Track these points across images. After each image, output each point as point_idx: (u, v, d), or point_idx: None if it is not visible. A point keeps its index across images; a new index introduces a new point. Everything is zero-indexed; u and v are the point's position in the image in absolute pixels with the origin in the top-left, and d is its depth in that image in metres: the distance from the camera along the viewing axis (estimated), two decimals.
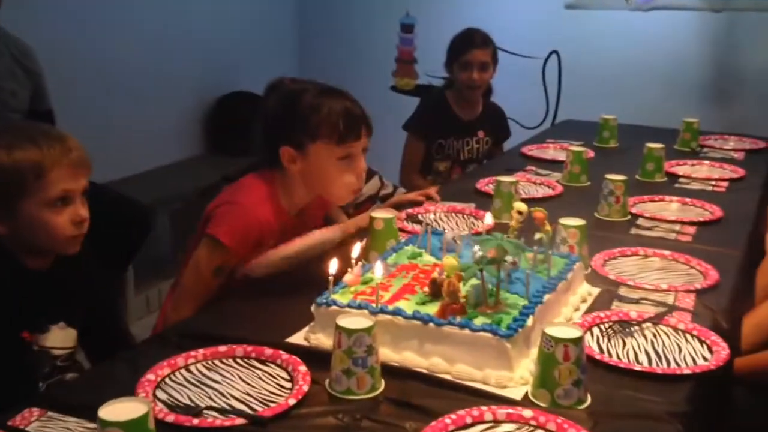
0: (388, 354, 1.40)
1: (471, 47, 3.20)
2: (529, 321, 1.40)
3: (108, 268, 2.91)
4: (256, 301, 1.69)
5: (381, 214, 1.88)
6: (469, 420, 1.23)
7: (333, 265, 1.49)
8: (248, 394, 1.31)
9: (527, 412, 1.24)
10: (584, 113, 3.72)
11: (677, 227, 2.19)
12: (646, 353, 1.47)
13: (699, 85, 4.38)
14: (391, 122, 3.46)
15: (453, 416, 1.22)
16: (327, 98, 1.82)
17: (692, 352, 1.48)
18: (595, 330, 1.55)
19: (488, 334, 1.34)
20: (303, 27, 5.25)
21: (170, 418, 1.22)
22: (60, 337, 1.60)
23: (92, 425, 1.06)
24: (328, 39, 5.14)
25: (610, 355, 1.45)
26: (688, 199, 2.44)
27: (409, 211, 2.29)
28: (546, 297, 1.49)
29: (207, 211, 1.84)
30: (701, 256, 1.93)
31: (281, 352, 1.42)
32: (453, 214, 2.31)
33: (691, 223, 2.21)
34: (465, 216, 2.30)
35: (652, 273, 1.86)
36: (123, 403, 1.07)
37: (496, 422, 1.23)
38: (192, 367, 1.40)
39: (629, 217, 2.27)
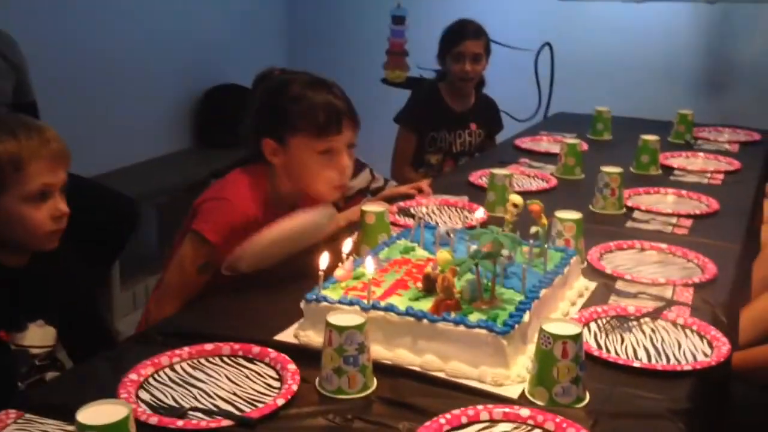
0: (380, 351, 1.36)
1: (464, 38, 3.16)
2: (526, 317, 1.36)
3: (94, 263, 2.88)
4: (244, 297, 1.64)
5: (372, 207, 1.84)
6: (464, 420, 1.19)
7: (324, 260, 1.44)
8: (235, 394, 1.27)
9: (524, 411, 1.20)
10: (577, 106, 3.69)
11: (674, 220, 2.15)
12: (645, 349, 1.43)
13: (692, 76, 4.35)
14: (382, 115, 3.43)
15: (448, 416, 1.18)
16: (311, 90, 1.77)
17: (692, 347, 1.44)
18: (593, 325, 1.51)
19: (484, 331, 1.30)
20: (292, 18, 5.19)
21: (153, 420, 1.17)
22: (38, 336, 1.55)
23: (71, 428, 1.02)
24: (318, 30, 5.09)
25: (608, 351, 1.42)
26: (683, 192, 2.40)
27: (401, 204, 2.25)
28: (543, 292, 1.45)
29: (193, 207, 1.79)
30: (699, 249, 1.90)
31: (269, 350, 1.37)
32: (446, 208, 2.27)
33: (688, 216, 2.18)
34: (458, 209, 2.26)
35: (649, 267, 1.82)
36: (102, 405, 1.02)
37: (493, 422, 1.19)
38: (177, 366, 1.35)
39: (624, 210, 2.24)
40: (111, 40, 3.81)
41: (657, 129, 2.89)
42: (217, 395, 1.26)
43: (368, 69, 4.26)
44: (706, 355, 1.41)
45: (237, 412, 1.21)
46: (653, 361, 1.38)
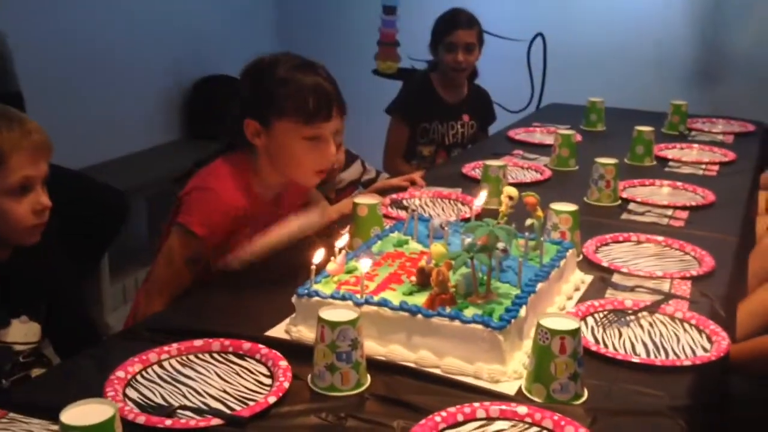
0: (373, 348, 1.33)
1: (456, 28, 3.12)
2: (522, 311, 1.33)
3: (82, 256, 2.84)
4: (234, 292, 1.61)
5: (365, 200, 1.81)
6: (460, 417, 1.16)
7: (318, 255, 1.41)
8: (225, 392, 1.24)
9: (522, 409, 1.17)
10: (569, 97, 3.66)
11: (669, 212, 2.13)
12: (644, 344, 1.40)
13: (685, 67, 4.33)
14: (373, 106, 3.39)
15: (443, 413, 1.15)
16: (299, 73, 1.71)
17: (691, 342, 1.41)
18: (590, 320, 1.49)
19: (479, 326, 1.27)
20: (283, 9, 5.14)
21: (141, 419, 1.14)
22: (22, 332, 1.51)
23: (56, 427, 0.99)
24: (308, 21, 5.04)
25: (606, 346, 1.39)
26: (679, 183, 2.38)
27: (394, 196, 2.22)
28: (539, 286, 1.43)
29: (178, 198, 1.75)
30: (695, 241, 1.87)
31: (260, 346, 1.34)
32: (439, 200, 2.24)
33: (684, 208, 2.15)
34: (451, 201, 2.23)
35: (645, 259, 1.80)
36: (87, 405, 0.99)
37: (489, 419, 1.17)
38: (165, 363, 1.32)
39: (620, 201, 2.21)
40: (99, 31, 3.75)
41: (650, 120, 2.88)
42: (207, 393, 1.23)
43: (359, 60, 4.21)
44: (705, 349, 1.39)
45: (227, 411, 1.18)
46: (652, 356, 1.36)
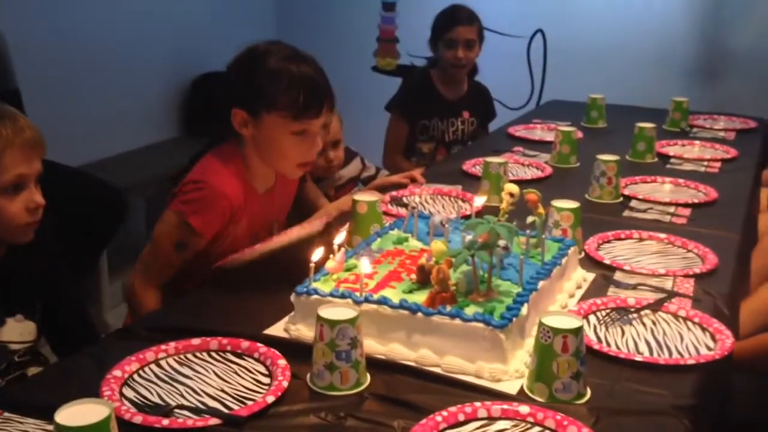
0: (373, 346, 1.31)
1: (456, 24, 3.10)
2: (524, 309, 1.32)
3: (80, 254, 2.82)
4: (232, 290, 1.59)
5: (364, 197, 1.80)
6: (461, 417, 1.14)
7: (317, 253, 1.39)
8: (223, 391, 1.22)
9: (524, 408, 1.15)
10: (569, 93, 3.65)
11: (672, 209, 2.11)
12: (647, 342, 1.39)
13: (686, 63, 4.31)
14: (373, 103, 3.37)
15: (444, 413, 1.14)
16: (291, 65, 1.69)
17: (695, 340, 1.40)
18: (592, 318, 1.47)
19: (481, 324, 1.26)
20: (282, 5, 5.12)
21: (138, 418, 1.12)
22: (17, 331, 1.50)
23: (51, 427, 0.97)
24: (307, 18, 5.02)
25: (608, 344, 1.37)
26: (680, 180, 2.36)
27: (393, 193, 2.20)
28: (540, 283, 1.41)
29: (173, 193, 1.74)
30: (698, 239, 1.86)
31: (259, 344, 1.33)
32: (439, 197, 2.22)
33: (686, 205, 2.14)
34: (452, 198, 2.21)
35: (648, 257, 1.78)
36: (83, 404, 0.97)
37: (491, 419, 1.15)
38: (162, 362, 1.30)
39: (621, 198, 2.19)
40: (98, 29, 3.74)
41: (652, 117, 2.86)
42: (205, 392, 1.22)
43: (359, 57, 4.20)
44: (709, 348, 1.37)
45: (225, 410, 1.16)
46: (655, 354, 1.34)
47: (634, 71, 4.29)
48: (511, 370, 1.26)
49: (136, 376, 1.26)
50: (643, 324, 1.46)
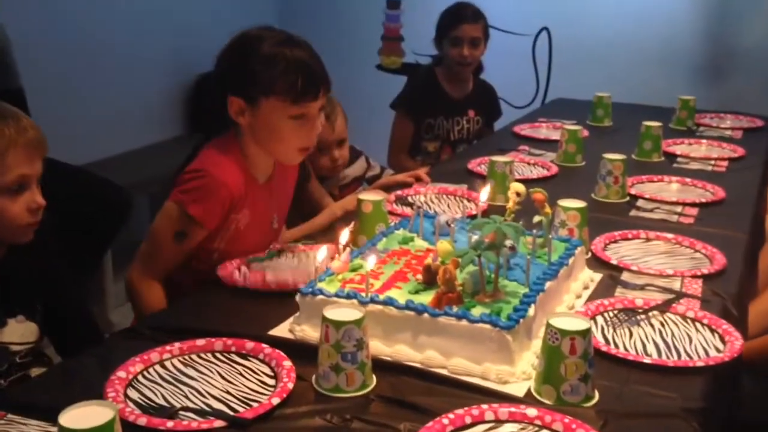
0: (379, 348, 1.30)
1: (461, 22, 3.08)
2: (531, 310, 1.30)
3: (84, 253, 2.81)
4: (236, 290, 1.58)
5: (369, 196, 1.79)
6: (468, 420, 1.13)
7: (321, 252, 1.38)
8: (228, 393, 1.21)
9: (531, 411, 1.14)
10: (575, 92, 3.63)
11: (679, 209, 2.09)
12: (655, 344, 1.37)
13: (693, 62, 4.29)
14: (377, 102, 3.36)
15: (451, 416, 1.13)
16: (286, 50, 1.66)
17: (704, 342, 1.38)
18: (599, 319, 1.46)
19: (487, 326, 1.25)
20: (285, 2, 5.10)
21: (142, 420, 1.11)
22: (18, 332, 1.49)
23: (54, 429, 0.96)
24: (311, 16, 5.00)
25: (616, 346, 1.36)
26: (688, 180, 2.35)
27: (399, 193, 2.19)
28: (548, 284, 1.40)
29: (174, 182, 1.72)
30: (706, 239, 1.84)
31: (264, 345, 1.32)
32: (444, 196, 2.21)
33: (694, 205, 2.12)
34: (457, 198, 2.20)
35: (655, 257, 1.77)
36: (87, 406, 0.96)
37: (498, 422, 1.14)
38: (167, 363, 1.29)
39: (628, 198, 2.18)
40: (100, 27, 3.72)
41: (658, 115, 2.84)
42: (210, 394, 1.21)
43: (363, 55, 4.18)
44: (718, 350, 1.36)
45: (230, 412, 1.15)
46: (664, 356, 1.33)
47: (640, 69, 4.27)
48: (518, 371, 1.25)
49: (140, 377, 1.25)
50: (652, 325, 1.44)
